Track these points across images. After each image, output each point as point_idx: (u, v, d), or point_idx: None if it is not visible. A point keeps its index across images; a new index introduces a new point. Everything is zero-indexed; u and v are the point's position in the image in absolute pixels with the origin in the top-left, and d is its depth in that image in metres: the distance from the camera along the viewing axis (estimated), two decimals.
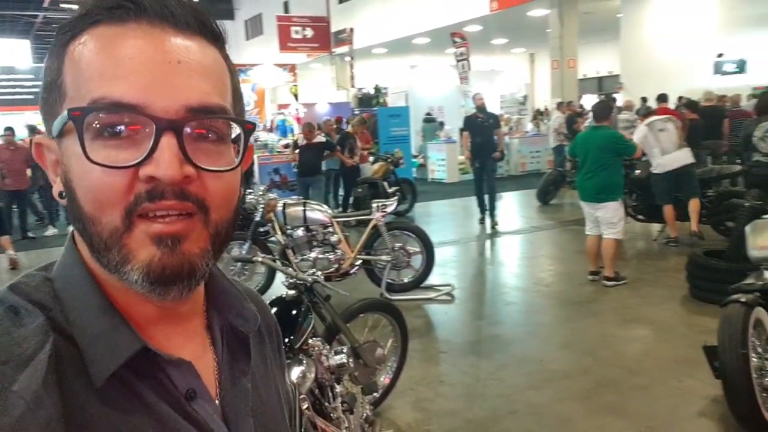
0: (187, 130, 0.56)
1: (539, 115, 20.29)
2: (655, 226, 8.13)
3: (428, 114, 17.54)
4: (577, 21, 16.69)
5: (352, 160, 10.37)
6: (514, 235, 8.96)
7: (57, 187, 0.61)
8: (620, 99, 15.21)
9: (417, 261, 6.22)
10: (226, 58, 0.64)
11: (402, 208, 10.28)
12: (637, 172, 7.62)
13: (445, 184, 15.11)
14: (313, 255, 5.92)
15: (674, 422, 3.47)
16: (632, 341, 4.78)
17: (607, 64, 23.81)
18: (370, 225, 6.02)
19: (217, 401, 0.66)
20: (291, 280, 2.85)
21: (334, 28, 24.31)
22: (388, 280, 6.02)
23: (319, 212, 6.07)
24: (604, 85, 24.84)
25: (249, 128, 0.61)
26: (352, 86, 22.61)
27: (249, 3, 31.23)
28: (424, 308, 5.84)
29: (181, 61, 0.57)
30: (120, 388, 0.57)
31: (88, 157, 0.54)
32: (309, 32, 23.68)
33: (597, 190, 5.83)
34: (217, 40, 0.62)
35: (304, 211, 5.99)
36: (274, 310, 4.07)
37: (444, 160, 15.41)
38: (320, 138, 9.71)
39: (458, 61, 18.83)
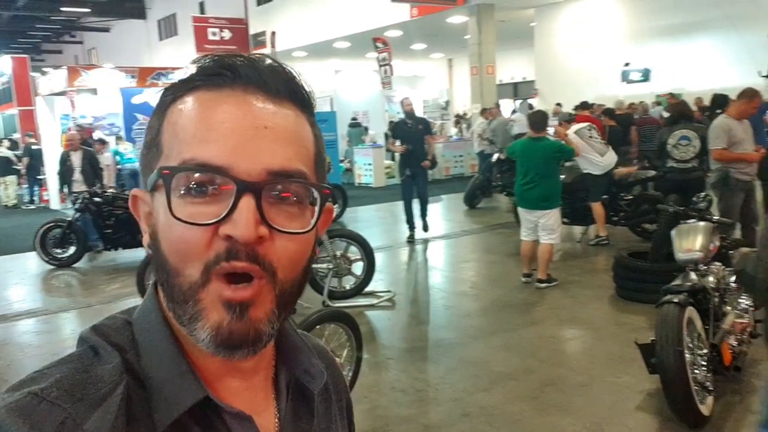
0: (266, 192, 0.58)
1: (461, 120, 20.83)
2: (577, 229, 8.55)
3: (354, 119, 17.62)
4: (494, 29, 17.26)
5: None
6: (445, 239, 9.17)
7: (146, 238, 0.64)
8: (536, 104, 15.86)
9: (358, 268, 6.27)
10: (313, 124, 0.67)
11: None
12: (562, 177, 8.00)
13: (373, 188, 15.25)
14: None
15: (615, 417, 3.70)
16: (569, 341, 5.03)
17: (522, 70, 24.74)
18: None
19: None
20: None
21: (252, 31, 24.00)
22: (330, 288, 6.04)
23: None
24: (520, 91, 25.81)
25: (326, 193, 0.63)
26: None
27: (162, 2, 30.25)
28: (366, 315, 5.89)
29: (267, 127, 0.60)
30: None
31: (172, 213, 0.57)
32: (227, 34, 23.27)
33: (540, 199, 6.09)
34: (306, 107, 0.66)
35: None
36: None
37: (371, 165, 15.56)
38: None
39: (381, 65, 19.01)
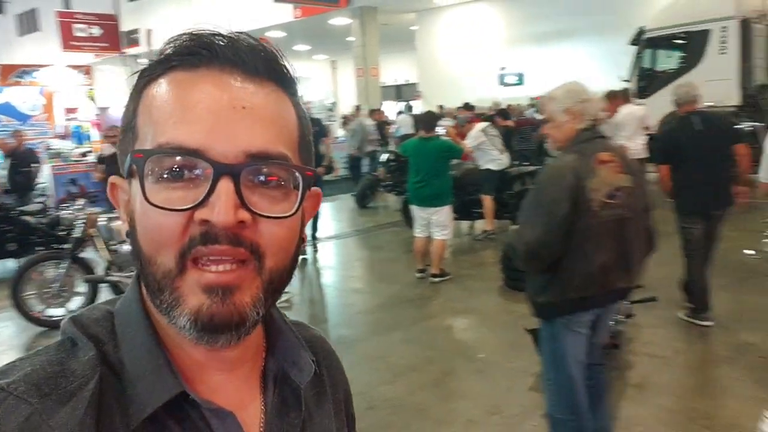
0: (245, 175, 0.56)
1: (348, 121, 20.96)
2: (465, 225, 8.91)
3: None
4: (377, 31, 17.56)
5: None
6: (338, 239, 9.22)
7: (125, 227, 0.62)
8: (419, 106, 16.33)
9: None
10: (297, 105, 0.64)
11: None
12: (453, 172, 8.33)
13: None
14: None
15: (511, 398, 3.91)
16: (464, 331, 5.25)
17: (406, 73, 25.32)
18: None
19: None
20: None
21: (124, 28, 22.82)
22: None
23: None
24: (403, 93, 26.39)
25: (309, 175, 0.60)
26: None
27: None
28: None
29: (246, 107, 0.57)
30: (157, 431, 0.57)
31: (146, 199, 0.55)
32: (96, 31, 22.01)
33: (432, 197, 6.28)
34: (289, 87, 0.63)
35: None
36: None
37: None
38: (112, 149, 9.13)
39: None
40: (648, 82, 11.59)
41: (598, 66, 14.02)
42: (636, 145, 7.88)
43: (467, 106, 11.57)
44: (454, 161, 7.29)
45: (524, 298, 2.90)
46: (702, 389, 3.98)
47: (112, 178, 0.63)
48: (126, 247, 5.66)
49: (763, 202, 8.96)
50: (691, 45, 11.33)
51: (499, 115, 11.78)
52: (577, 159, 2.58)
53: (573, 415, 2.78)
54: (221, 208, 0.54)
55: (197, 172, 0.55)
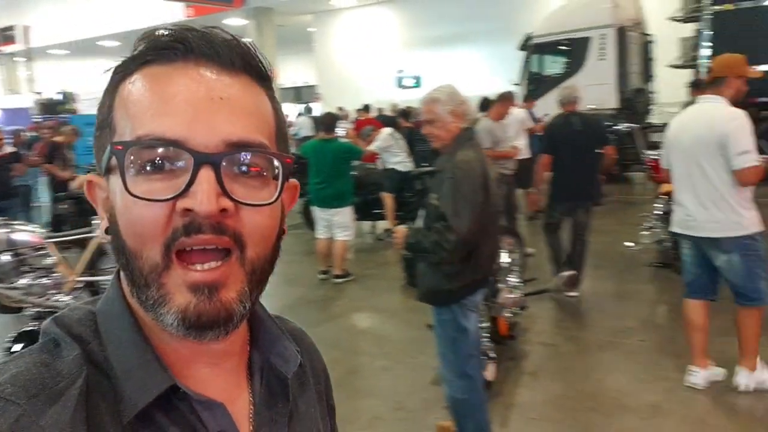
0: (225, 164, 0.56)
1: None
2: (366, 225, 9.00)
3: None
4: (273, 33, 17.39)
5: (66, 173, 9.28)
6: None
7: (104, 224, 0.62)
8: (318, 108, 16.32)
9: None
10: (272, 98, 0.65)
11: None
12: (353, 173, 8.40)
13: None
14: (24, 282, 5.24)
15: (415, 393, 4.01)
16: (368, 330, 5.32)
17: (304, 74, 25.21)
18: (93, 243, 5.57)
19: None
20: (35, 311, 2.60)
21: None
22: None
23: (27, 233, 5.41)
24: (303, 95, 26.26)
25: (288, 162, 0.61)
26: (32, 91, 20.04)
27: None
28: None
29: (223, 98, 0.58)
30: (149, 426, 0.58)
31: (128, 190, 0.55)
32: None
33: (333, 198, 6.31)
34: (264, 79, 0.64)
35: (8, 233, 5.29)
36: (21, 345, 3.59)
37: None
38: (7, 148, 8.51)
39: None
40: (536, 85, 12.20)
41: (491, 69, 14.60)
42: (520, 146, 8.29)
43: (366, 108, 11.69)
44: (355, 162, 7.37)
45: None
46: (589, 373, 4.25)
47: (89, 176, 0.63)
48: (4, 258, 5.29)
49: (641, 198, 9.71)
50: (574, 51, 12.04)
51: (401, 116, 11.98)
52: (477, 153, 2.84)
53: (473, 392, 2.98)
54: (203, 197, 0.54)
55: (178, 162, 0.56)
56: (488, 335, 4.06)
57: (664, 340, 4.63)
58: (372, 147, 7.95)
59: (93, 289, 5.81)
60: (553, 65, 12.57)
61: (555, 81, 11.41)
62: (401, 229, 3.00)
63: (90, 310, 0.63)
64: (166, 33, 0.60)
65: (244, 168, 0.58)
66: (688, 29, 12.46)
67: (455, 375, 2.99)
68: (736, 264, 3.52)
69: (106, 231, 0.61)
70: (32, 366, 0.56)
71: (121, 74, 0.61)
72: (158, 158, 0.56)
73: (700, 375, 3.79)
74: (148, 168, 0.56)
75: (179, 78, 0.58)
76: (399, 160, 8.23)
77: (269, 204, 0.59)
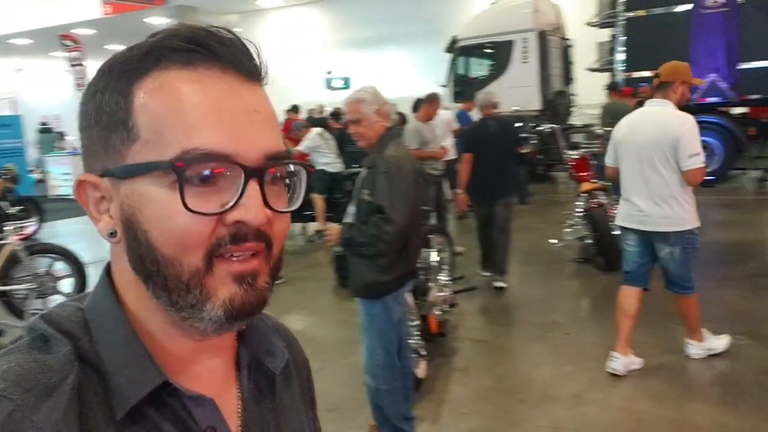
0: (267, 176, 0.60)
1: None
2: (297, 227, 8.93)
3: (43, 124, 15.73)
4: None
5: None
6: None
7: (105, 226, 0.61)
8: None
9: (67, 285, 5.69)
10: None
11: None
12: None
13: (73, 200, 13.73)
14: None
15: (348, 393, 4.00)
16: (302, 332, 5.26)
17: None
18: (4, 251, 5.29)
19: None
20: None
21: None
22: (34, 311, 5.35)
23: None
24: None
25: (311, 171, 0.66)
26: None
27: None
28: None
29: (257, 110, 0.60)
30: (140, 421, 0.59)
31: (186, 207, 0.56)
32: None
33: None
34: (263, 81, 0.65)
35: None
36: None
37: (69, 174, 14.08)
38: None
39: (72, 65, 17.30)
40: (463, 87, 12.44)
41: (419, 71, 14.79)
42: (448, 146, 8.45)
43: (294, 109, 11.60)
44: None
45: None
46: (517, 366, 4.38)
47: (83, 176, 0.62)
48: None
49: (565, 197, 10.06)
50: (498, 54, 12.37)
51: (332, 117, 11.95)
52: (404, 151, 2.97)
53: (396, 380, 3.07)
54: (256, 210, 0.58)
55: (225, 176, 0.58)
56: (419, 333, 4.10)
57: (587, 332, 4.82)
58: (300, 147, 7.90)
59: (5, 299, 5.51)
60: (479, 67, 12.87)
61: (481, 83, 11.67)
62: (334, 227, 3.04)
63: (78, 307, 0.64)
64: (178, 33, 0.59)
65: (279, 178, 0.62)
66: (605, 34, 13.01)
67: (380, 367, 3.05)
68: (677, 256, 3.83)
69: (109, 234, 0.61)
70: (23, 362, 0.56)
71: (133, 72, 0.59)
72: (209, 171, 0.57)
73: (620, 361, 3.98)
74: (196, 182, 0.57)
75: (213, 88, 0.58)
76: (328, 161, 8.21)
77: (291, 211, 0.64)
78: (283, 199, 0.63)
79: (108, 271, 0.65)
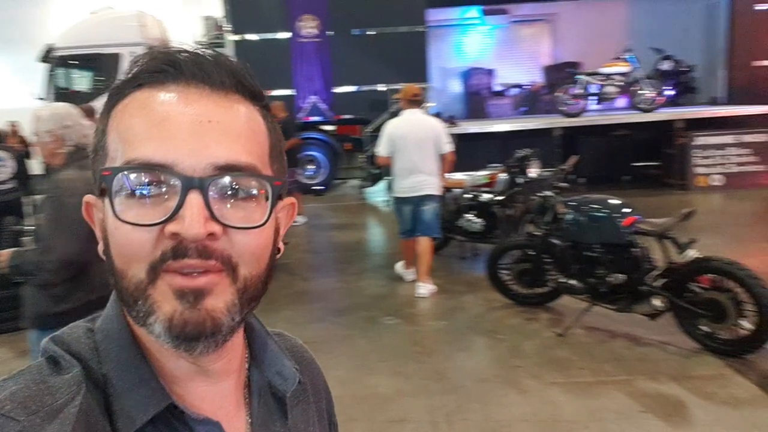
0: (213, 187, 0.56)
1: None
2: None
3: None
4: None
5: None
6: None
7: (101, 246, 0.62)
8: None
9: None
10: (266, 117, 0.65)
11: None
12: None
13: None
14: None
15: None
16: None
17: None
18: None
19: None
20: None
21: None
22: None
23: None
24: None
25: (277, 185, 0.61)
26: None
27: None
28: None
29: (212, 121, 0.58)
30: None
31: (116, 215, 0.56)
32: None
33: None
34: (257, 99, 0.64)
35: None
36: None
37: None
38: None
39: None
40: (65, 100, 11.23)
41: (8, 81, 12.83)
42: None
43: None
44: None
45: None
46: (432, 352, 4.32)
47: (87, 197, 0.64)
48: None
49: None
50: (104, 66, 11.58)
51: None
52: (83, 173, 2.73)
53: None
54: (191, 221, 0.55)
55: (166, 186, 0.56)
56: None
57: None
58: None
59: None
60: (82, 80, 11.84)
61: (86, 96, 10.76)
62: (5, 252, 2.72)
63: (89, 328, 0.64)
64: (158, 55, 0.60)
65: (233, 191, 0.58)
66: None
67: None
68: (433, 210, 5.67)
69: (102, 252, 0.61)
70: (31, 383, 0.56)
71: (115, 98, 0.61)
72: (147, 182, 0.56)
73: (425, 287, 5.72)
74: (137, 192, 0.56)
75: (169, 101, 0.58)
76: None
77: (258, 227, 0.60)
78: (249, 215, 0.59)
79: None
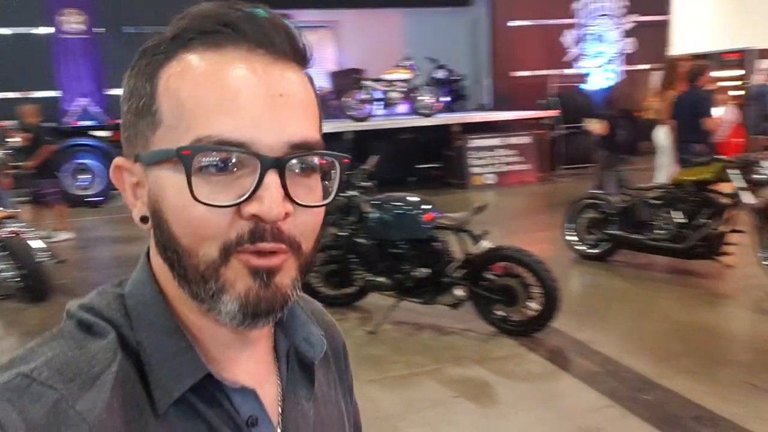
0: (288, 168, 0.55)
1: None
2: None
3: None
4: None
5: None
6: None
7: (138, 212, 0.60)
8: None
9: None
10: (312, 82, 0.62)
11: None
12: None
13: None
14: None
15: None
16: None
17: None
18: None
19: (279, 429, 0.65)
20: None
21: None
22: None
23: None
24: None
25: (346, 162, 0.61)
26: None
27: None
28: None
29: (282, 95, 0.56)
30: (183, 411, 0.57)
31: (194, 196, 0.53)
32: None
33: None
34: (307, 65, 0.61)
35: None
36: None
37: None
38: None
39: None
40: None
41: None
42: None
43: None
44: None
45: None
46: None
47: (118, 160, 0.61)
48: None
49: None
50: None
51: None
52: None
53: None
54: (271, 203, 0.54)
55: (242, 166, 0.54)
56: None
57: None
58: None
59: None
60: None
61: None
62: None
63: (119, 293, 0.61)
64: (208, 13, 0.56)
65: (304, 170, 0.58)
66: None
67: None
68: None
69: (142, 219, 0.59)
70: (67, 349, 0.55)
71: (161, 56, 0.57)
72: (223, 161, 0.54)
73: None
74: (211, 170, 0.54)
75: (236, 70, 0.55)
76: None
77: (325, 205, 0.60)
78: (315, 193, 0.59)
79: (148, 256, 0.63)
